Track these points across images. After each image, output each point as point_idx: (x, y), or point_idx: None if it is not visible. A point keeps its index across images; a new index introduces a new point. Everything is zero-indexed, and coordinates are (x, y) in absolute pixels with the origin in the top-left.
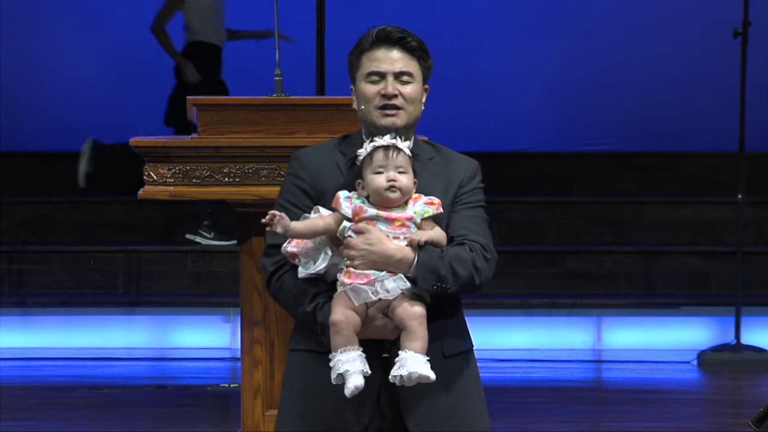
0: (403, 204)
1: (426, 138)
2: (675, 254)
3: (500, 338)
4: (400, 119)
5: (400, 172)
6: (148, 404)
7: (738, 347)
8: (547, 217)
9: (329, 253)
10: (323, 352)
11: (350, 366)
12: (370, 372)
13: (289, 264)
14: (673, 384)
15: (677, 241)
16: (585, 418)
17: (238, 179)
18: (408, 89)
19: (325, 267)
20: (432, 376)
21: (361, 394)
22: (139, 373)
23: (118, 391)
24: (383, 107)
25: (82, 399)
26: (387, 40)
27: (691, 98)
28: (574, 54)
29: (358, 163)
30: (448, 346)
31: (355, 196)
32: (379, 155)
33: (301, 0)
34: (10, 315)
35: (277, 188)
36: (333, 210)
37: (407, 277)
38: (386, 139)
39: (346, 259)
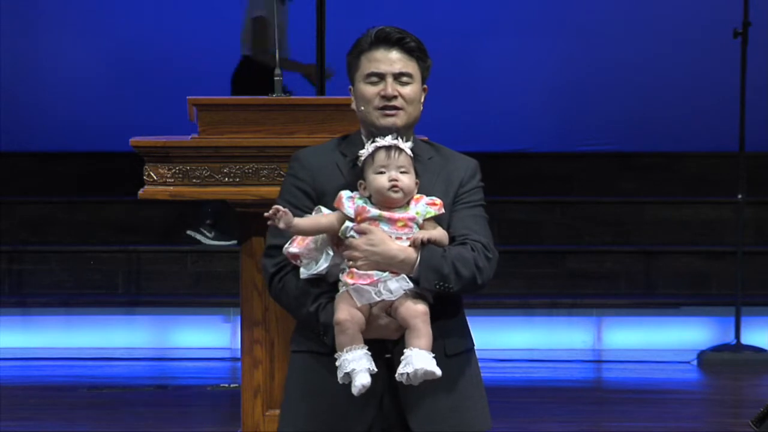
0: (405, 204)
1: (426, 138)
2: (675, 254)
3: (500, 338)
4: (399, 120)
5: (402, 172)
6: (148, 404)
7: (738, 347)
8: (547, 217)
9: (331, 253)
10: (325, 353)
11: (357, 365)
12: (376, 370)
13: (290, 265)
14: (673, 384)
15: (677, 241)
16: (585, 418)
17: (238, 179)
18: (407, 90)
19: (327, 267)
20: (438, 372)
21: (364, 395)
22: (139, 373)
23: (118, 391)
24: (383, 108)
25: (82, 399)
26: (386, 40)
27: (691, 98)
28: (574, 54)
29: (360, 164)
30: (450, 345)
31: (358, 196)
32: (381, 155)
33: (301, 0)
34: (10, 315)
35: (277, 188)
36: (335, 210)
37: (410, 278)
38: (388, 140)
39: (347, 259)
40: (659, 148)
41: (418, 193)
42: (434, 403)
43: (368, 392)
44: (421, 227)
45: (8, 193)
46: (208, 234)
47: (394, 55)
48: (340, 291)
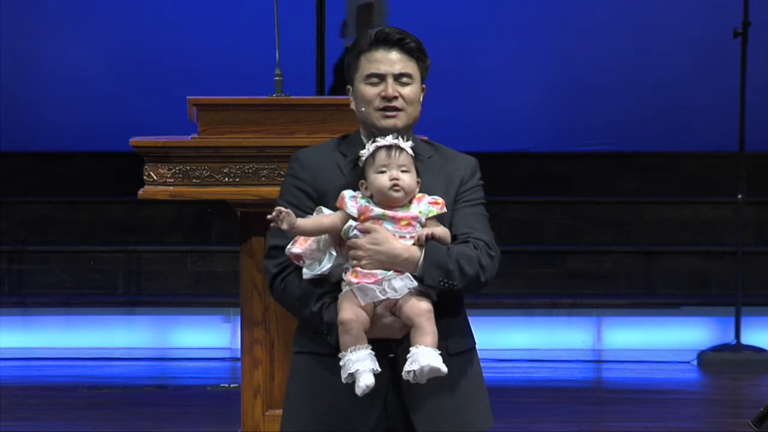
0: (408, 203)
1: (426, 138)
2: (675, 254)
3: (500, 338)
4: (400, 121)
5: (402, 171)
6: (148, 404)
7: (738, 347)
8: (547, 217)
9: (334, 253)
10: (327, 354)
11: (361, 365)
12: (380, 370)
13: (292, 266)
14: (673, 384)
15: (677, 241)
16: (585, 418)
17: (238, 179)
18: (407, 90)
19: (330, 268)
20: (444, 369)
21: (367, 395)
22: (139, 373)
23: (118, 391)
24: (383, 109)
25: (82, 399)
26: (385, 41)
27: (691, 98)
28: (574, 54)
29: (361, 164)
30: (453, 344)
31: (360, 195)
32: (382, 155)
33: (301, 0)
34: (10, 315)
35: (278, 188)
36: (336, 210)
37: (414, 276)
38: (389, 139)
39: (351, 259)
40: (659, 148)
41: (419, 192)
42: (437, 403)
43: (372, 392)
44: (423, 226)
45: (8, 193)
46: None
47: (394, 55)
48: (344, 290)
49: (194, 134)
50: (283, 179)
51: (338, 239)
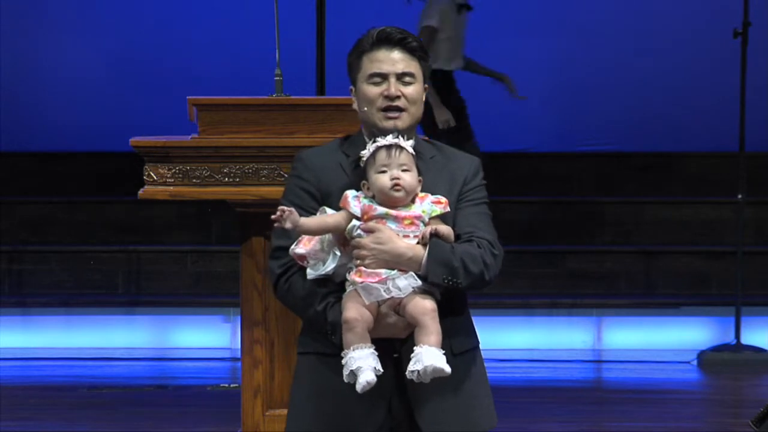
0: (411, 202)
1: (426, 138)
2: (675, 254)
3: (500, 338)
4: (402, 121)
5: (403, 170)
6: (148, 404)
7: (738, 347)
8: (547, 217)
9: (338, 253)
10: (332, 354)
11: (362, 363)
12: (382, 370)
13: (296, 266)
14: (673, 384)
15: (677, 241)
16: (585, 418)
17: (238, 179)
18: (410, 90)
19: (334, 268)
20: (448, 369)
21: (372, 395)
22: (139, 373)
23: (118, 391)
24: (386, 109)
25: (82, 399)
26: (388, 41)
27: (691, 98)
28: (574, 54)
29: (362, 164)
30: (457, 344)
31: (363, 195)
32: (382, 154)
33: (301, 0)
34: (10, 315)
35: (278, 188)
36: (340, 210)
37: (418, 275)
38: (389, 139)
39: (355, 258)
40: (659, 148)
41: (421, 191)
42: (441, 402)
43: (376, 392)
44: (427, 225)
45: (8, 193)
46: None
47: (397, 55)
48: (348, 290)
49: (194, 134)
50: (282, 179)
51: (342, 239)
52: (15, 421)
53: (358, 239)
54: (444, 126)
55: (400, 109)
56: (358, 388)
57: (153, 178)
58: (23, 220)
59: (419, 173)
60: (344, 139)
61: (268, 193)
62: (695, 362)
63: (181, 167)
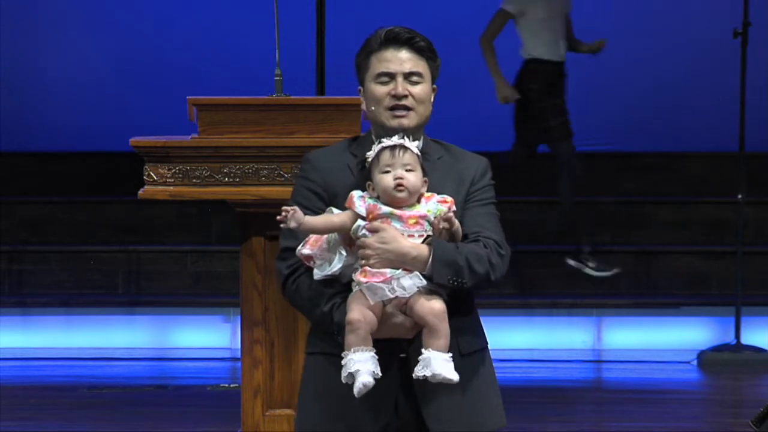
0: (416, 202)
1: (437, 140)
2: (675, 254)
3: (500, 338)
4: (409, 120)
5: (407, 170)
6: (148, 404)
7: (738, 347)
8: (547, 217)
9: (344, 253)
10: (339, 354)
11: (361, 366)
12: (380, 374)
13: (303, 267)
14: (673, 384)
15: (677, 241)
16: (585, 418)
17: (238, 179)
18: (418, 89)
19: (341, 268)
20: (455, 378)
21: (379, 395)
22: (139, 373)
23: (118, 391)
24: (393, 108)
25: (82, 399)
26: (395, 40)
27: (691, 98)
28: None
29: (368, 165)
30: (465, 344)
31: (368, 195)
32: (386, 155)
33: (301, 0)
34: (10, 315)
35: (277, 188)
36: (346, 210)
37: (423, 275)
38: (394, 139)
39: (360, 258)
40: (659, 148)
41: (428, 191)
42: (451, 403)
43: (383, 392)
44: (432, 225)
45: (8, 193)
46: (590, 264)
47: (404, 54)
48: (354, 290)
49: (194, 134)
50: (282, 179)
51: (348, 239)
52: (15, 421)
53: (362, 239)
54: (503, 102)
55: (407, 108)
56: (355, 391)
57: (153, 178)
58: (23, 220)
59: (424, 173)
60: (352, 140)
61: (268, 193)
62: (695, 362)
63: (181, 167)
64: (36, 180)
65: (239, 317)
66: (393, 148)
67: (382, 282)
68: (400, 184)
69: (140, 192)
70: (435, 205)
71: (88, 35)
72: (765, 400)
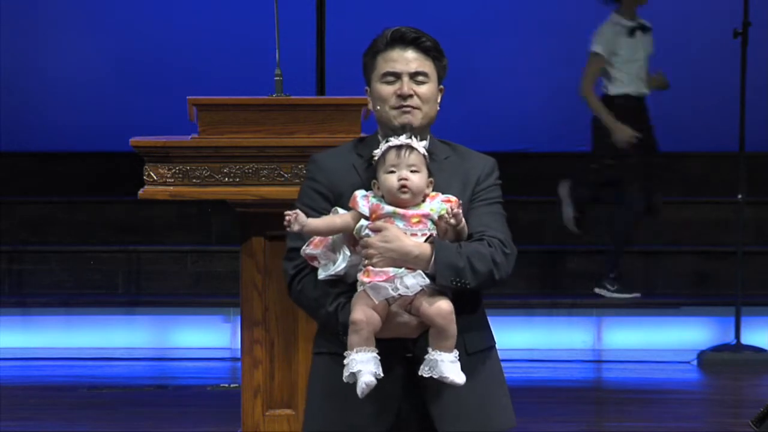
0: (421, 201)
1: (444, 141)
2: (675, 254)
3: (500, 338)
4: (415, 118)
5: (412, 171)
6: (148, 404)
7: (738, 347)
8: (547, 217)
9: (348, 253)
10: (345, 354)
11: (363, 366)
12: (382, 375)
13: (309, 267)
14: (673, 384)
15: (677, 241)
16: (585, 418)
17: (238, 179)
18: (423, 89)
19: (345, 268)
20: (462, 380)
21: (385, 395)
22: (139, 373)
23: (118, 391)
24: (399, 107)
25: (82, 399)
26: (401, 40)
27: (691, 98)
28: (574, 54)
29: (374, 164)
30: (471, 343)
31: (372, 194)
32: (392, 155)
33: (301, 0)
34: (10, 315)
35: (277, 188)
36: (350, 210)
37: (426, 274)
38: (401, 139)
39: (364, 258)
40: (659, 148)
41: (434, 191)
42: (459, 403)
43: (389, 392)
44: (436, 224)
45: (8, 193)
46: (610, 287)
47: (410, 54)
48: (358, 290)
49: (194, 134)
50: (282, 179)
51: (352, 239)
52: (15, 421)
53: (365, 238)
54: (626, 145)
55: (412, 107)
56: (358, 391)
57: (153, 178)
58: (23, 220)
59: (430, 174)
60: (359, 141)
61: (268, 193)
62: (695, 362)
63: (181, 167)
64: (36, 180)
65: (239, 317)
66: (399, 147)
67: (385, 281)
68: (404, 186)
69: (140, 192)
70: (439, 204)
71: (88, 35)
72: (765, 400)
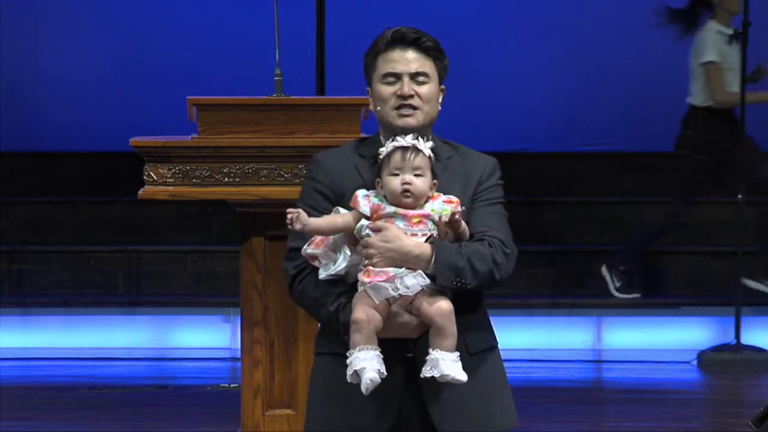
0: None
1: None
2: (675, 254)
3: (500, 338)
4: (415, 119)
5: (416, 175)
6: (148, 404)
7: (738, 347)
8: (547, 217)
9: (348, 253)
10: (347, 354)
11: (367, 364)
12: (386, 374)
13: (310, 267)
14: (673, 384)
15: (677, 241)
16: (585, 418)
17: (238, 179)
18: (424, 89)
19: (345, 267)
20: (464, 378)
21: (386, 394)
22: (139, 373)
23: (118, 391)
24: (399, 108)
25: (82, 399)
26: (402, 40)
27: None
28: (574, 54)
29: (379, 162)
30: (472, 343)
31: (374, 194)
32: (397, 157)
33: (301, 0)
34: (10, 315)
35: (277, 188)
36: (352, 209)
37: (427, 274)
38: (408, 140)
39: (364, 258)
40: (659, 148)
41: (435, 191)
42: (460, 403)
43: (390, 392)
44: (437, 224)
45: (8, 193)
46: (615, 280)
47: (411, 54)
48: (359, 290)
49: (194, 134)
50: (282, 179)
51: (352, 239)
52: (15, 421)
53: (366, 238)
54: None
55: (413, 108)
56: (363, 388)
57: (153, 178)
58: (23, 220)
59: (434, 176)
60: (360, 141)
61: (268, 193)
62: (695, 362)
63: (181, 167)
64: (36, 180)
65: (239, 317)
66: (405, 149)
67: (385, 281)
68: (407, 190)
69: (140, 192)
70: (440, 205)
71: (88, 35)
72: (765, 400)
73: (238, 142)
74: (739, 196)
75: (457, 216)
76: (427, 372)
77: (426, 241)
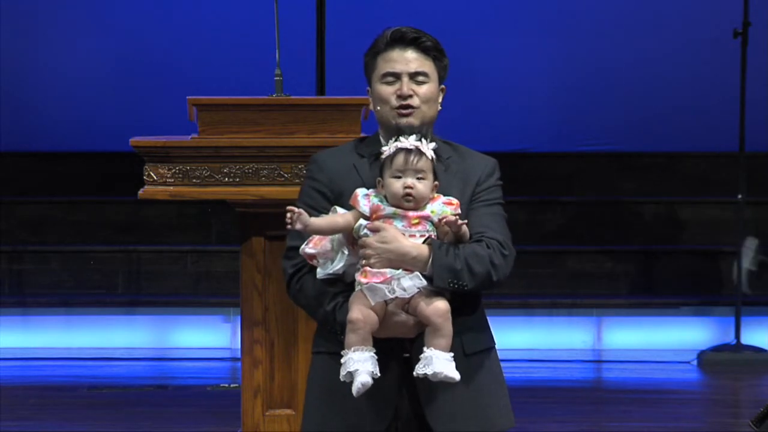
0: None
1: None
2: (675, 254)
3: (500, 338)
4: (415, 119)
5: (418, 178)
6: (148, 404)
7: (738, 347)
8: (547, 217)
9: (346, 252)
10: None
11: (360, 365)
12: (379, 375)
13: (308, 266)
14: (673, 384)
15: (677, 241)
16: (585, 418)
17: (238, 179)
18: (423, 89)
19: (343, 267)
20: (456, 376)
21: (382, 394)
22: (139, 373)
23: (118, 391)
24: (399, 108)
25: (82, 399)
26: (401, 40)
27: (691, 98)
28: (574, 54)
29: (381, 161)
30: (469, 343)
31: (374, 194)
32: (400, 159)
33: (301, 0)
34: (10, 315)
35: (277, 188)
36: (351, 209)
37: (424, 275)
38: (411, 141)
39: (361, 258)
40: (659, 148)
41: (436, 192)
42: (456, 403)
43: (386, 392)
44: (436, 226)
45: (8, 193)
46: None
47: (410, 54)
48: (356, 290)
49: (194, 134)
50: (282, 179)
51: (351, 238)
52: (15, 421)
53: (363, 238)
54: None
55: (412, 107)
56: (354, 390)
57: (153, 178)
58: (23, 220)
59: (436, 177)
60: (360, 140)
61: (268, 193)
62: (695, 362)
63: (181, 167)
64: (36, 180)
65: (239, 317)
66: (408, 152)
67: (382, 282)
68: (408, 194)
69: (140, 192)
70: (440, 206)
71: (88, 35)
72: (765, 400)
73: (238, 142)
74: (739, 196)
75: (454, 217)
76: (420, 369)
77: (424, 242)
